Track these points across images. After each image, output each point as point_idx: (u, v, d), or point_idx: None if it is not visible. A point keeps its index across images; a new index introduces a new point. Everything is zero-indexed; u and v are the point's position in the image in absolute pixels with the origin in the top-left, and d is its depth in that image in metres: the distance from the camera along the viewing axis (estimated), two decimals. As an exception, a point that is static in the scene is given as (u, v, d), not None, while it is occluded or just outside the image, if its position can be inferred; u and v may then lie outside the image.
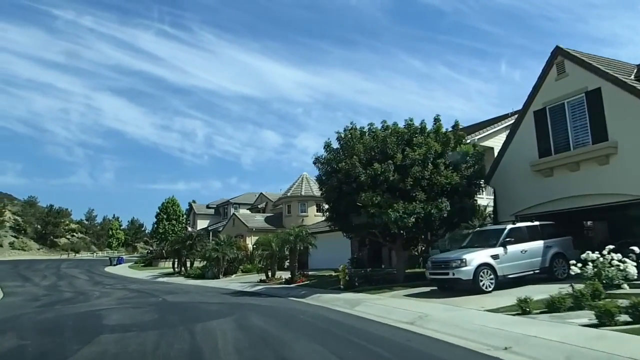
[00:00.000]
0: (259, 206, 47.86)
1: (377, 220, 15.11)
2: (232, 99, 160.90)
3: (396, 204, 14.88)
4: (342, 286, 16.66)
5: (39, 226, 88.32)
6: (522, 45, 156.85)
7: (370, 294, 14.30)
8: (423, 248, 20.98)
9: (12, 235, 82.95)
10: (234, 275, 28.40)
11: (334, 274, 23.28)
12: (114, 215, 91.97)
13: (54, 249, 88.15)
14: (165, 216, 76.41)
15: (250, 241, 35.58)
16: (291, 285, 19.97)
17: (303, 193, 39.55)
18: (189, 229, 51.55)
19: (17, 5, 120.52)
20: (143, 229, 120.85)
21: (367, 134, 16.69)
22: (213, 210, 57.04)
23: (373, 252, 26.60)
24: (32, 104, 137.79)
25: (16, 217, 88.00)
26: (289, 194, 40.11)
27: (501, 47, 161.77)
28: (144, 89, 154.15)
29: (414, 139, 15.92)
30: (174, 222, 76.12)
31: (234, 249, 28.85)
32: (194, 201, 63.96)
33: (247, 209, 48.41)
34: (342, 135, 16.62)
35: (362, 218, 15.30)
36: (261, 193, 50.44)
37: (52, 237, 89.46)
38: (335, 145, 17.05)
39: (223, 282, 24.41)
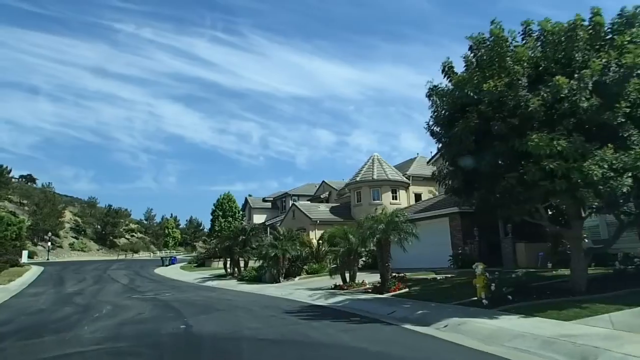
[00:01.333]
0: (322, 196, 41.57)
1: (558, 185, 8.19)
2: (285, 100, 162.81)
3: (598, 151, 8.03)
4: (483, 300, 9.78)
5: (98, 226, 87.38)
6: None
7: (569, 321, 7.39)
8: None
9: (72, 237, 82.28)
10: (297, 278, 22.19)
11: (435, 276, 16.70)
12: (171, 214, 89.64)
13: (113, 249, 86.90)
14: (220, 213, 72.28)
15: (314, 235, 29.30)
16: (384, 296, 13.35)
17: (375, 177, 32.75)
18: (245, 224, 46.28)
19: (84, 22, 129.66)
20: (201, 227, 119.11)
21: (527, 35, 9.64)
22: (270, 203, 51.54)
23: (487, 247, 19.31)
24: (100, 114, 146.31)
25: (76, 218, 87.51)
26: (358, 179, 33.47)
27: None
28: (201, 95, 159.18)
29: (620, 36, 8.74)
30: (230, 218, 71.83)
31: (296, 244, 22.63)
32: (250, 195, 58.91)
33: (307, 201, 42.33)
34: (481, 41, 9.62)
35: (532, 177, 8.32)
36: (323, 181, 44.16)
37: (111, 237, 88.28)
38: (459, 69, 10.20)
39: (285, 289, 18.16)
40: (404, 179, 33.84)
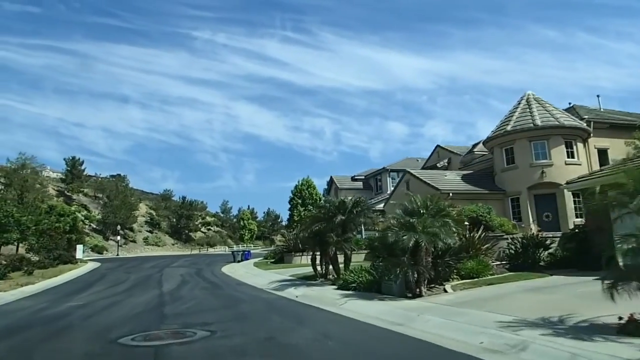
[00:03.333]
0: (438, 165, 30.40)
1: None
2: (356, 95, 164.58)
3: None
4: None
5: (173, 219, 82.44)
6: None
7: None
8: None
9: (146, 230, 77.80)
10: (448, 286, 11.67)
11: None
12: (248, 206, 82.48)
13: (188, 243, 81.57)
14: (299, 201, 63.14)
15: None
16: None
17: (539, 122, 21.09)
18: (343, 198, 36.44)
19: (164, 33, 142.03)
20: (279, 220, 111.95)
21: None
22: (361, 183, 41.23)
23: None
24: (183, 118, 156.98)
25: (150, 211, 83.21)
26: (508, 128, 21.94)
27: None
28: (274, 94, 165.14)
29: None
30: (310, 207, 62.64)
31: (450, 225, 11.89)
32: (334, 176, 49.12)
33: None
34: None
35: None
36: (438, 146, 32.92)
37: (186, 231, 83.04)
38: None
39: (457, 319, 7.62)
40: (583, 125, 21.81)
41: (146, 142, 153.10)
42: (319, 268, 17.63)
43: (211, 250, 74.09)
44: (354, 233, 17.47)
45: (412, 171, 25.36)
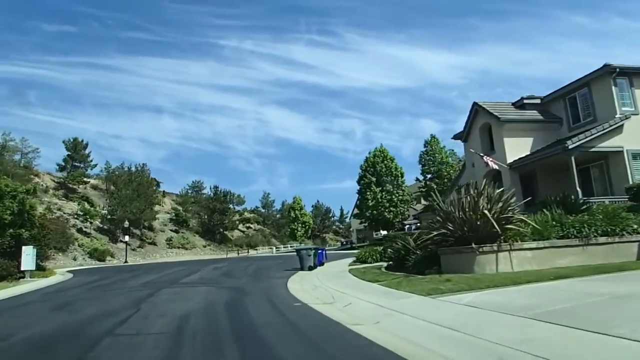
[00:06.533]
0: None
1: None
2: (385, 94, 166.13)
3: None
4: None
5: (205, 216, 66.06)
6: None
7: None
8: None
9: (170, 230, 61.53)
10: None
11: None
12: (294, 196, 64.40)
13: (224, 244, 64.91)
14: (373, 179, 45.15)
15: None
16: None
17: None
18: (491, 164, 18.05)
19: (193, 44, 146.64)
20: (331, 215, 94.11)
21: None
22: (540, 109, 22.46)
23: None
24: (215, 125, 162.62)
25: (176, 206, 67.05)
26: None
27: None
28: (303, 97, 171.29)
29: None
30: (389, 186, 44.54)
31: None
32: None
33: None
34: None
35: None
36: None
37: (220, 229, 66.34)
38: None
39: None
40: None
41: (181, 150, 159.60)
42: None
43: (252, 253, 56.95)
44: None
45: None
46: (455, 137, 25.76)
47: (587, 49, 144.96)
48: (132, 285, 15.95)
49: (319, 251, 22.50)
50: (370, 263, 19.50)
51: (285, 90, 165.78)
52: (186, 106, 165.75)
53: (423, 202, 51.31)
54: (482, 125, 21.00)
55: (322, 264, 21.92)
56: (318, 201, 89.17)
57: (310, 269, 20.05)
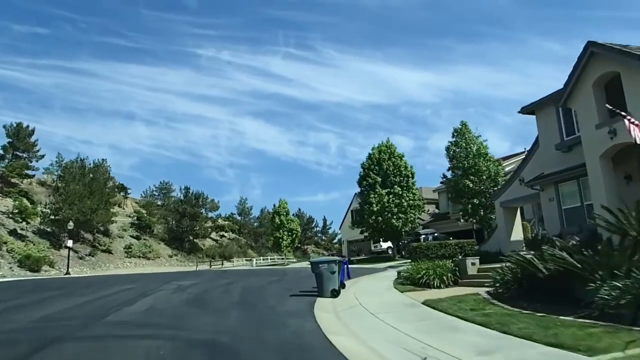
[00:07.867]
0: None
1: None
2: (361, 109, 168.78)
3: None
4: None
5: (172, 221, 57.28)
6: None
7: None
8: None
9: (131, 236, 52.41)
10: None
11: None
12: (279, 199, 55.19)
13: (193, 254, 56.18)
14: (378, 179, 37.69)
15: None
16: None
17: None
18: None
19: (170, 51, 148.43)
20: (314, 225, 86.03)
21: None
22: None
23: None
24: (189, 134, 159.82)
25: (139, 210, 57.97)
26: None
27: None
28: (279, 109, 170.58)
29: None
30: (396, 187, 37.18)
31: None
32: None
33: None
34: None
35: None
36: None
37: (190, 237, 57.58)
38: None
39: None
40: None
41: (153, 158, 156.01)
42: None
43: (227, 265, 48.38)
44: None
45: None
46: (524, 110, 18.57)
47: (554, 74, 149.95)
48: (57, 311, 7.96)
49: (343, 260, 14.71)
50: (439, 287, 11.95)
51: (261, 101, 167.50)
52: (160, 114, 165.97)
53: (435, 209, 44.15)
54: (599, 78, 13.56)
55: (343, 285, 14.20)
56: (300, 209, 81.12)
57: (335, 294, 12.39)
